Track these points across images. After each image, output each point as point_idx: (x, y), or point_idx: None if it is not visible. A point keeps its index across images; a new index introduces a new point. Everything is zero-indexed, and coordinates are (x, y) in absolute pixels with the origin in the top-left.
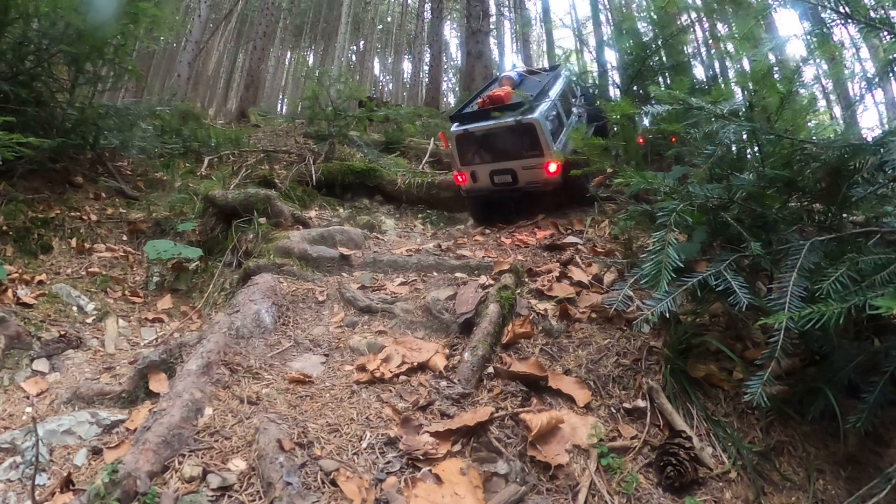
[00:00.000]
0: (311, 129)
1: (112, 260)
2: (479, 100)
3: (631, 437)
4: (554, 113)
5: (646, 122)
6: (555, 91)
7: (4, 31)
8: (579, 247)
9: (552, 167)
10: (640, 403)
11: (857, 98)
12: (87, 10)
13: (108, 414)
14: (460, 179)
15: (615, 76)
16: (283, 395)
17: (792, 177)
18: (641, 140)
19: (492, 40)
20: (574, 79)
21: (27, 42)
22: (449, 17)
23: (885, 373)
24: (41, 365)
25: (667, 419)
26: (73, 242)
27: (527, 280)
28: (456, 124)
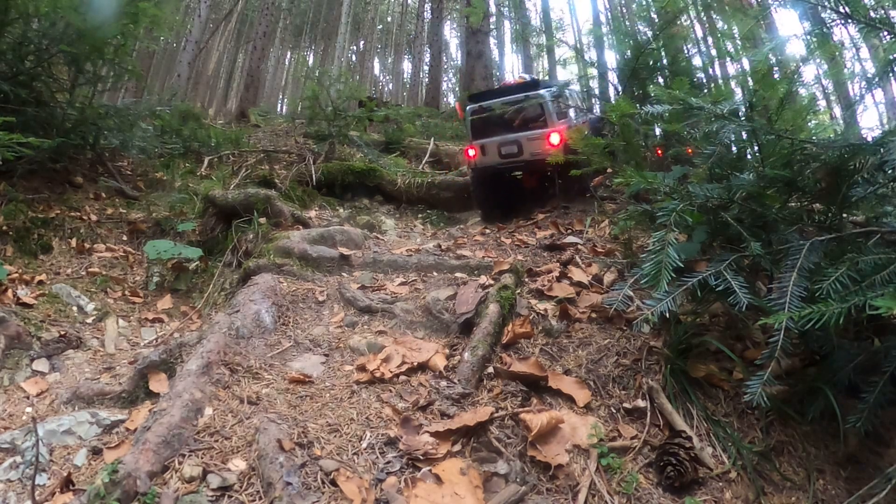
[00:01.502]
0: (311, 129)
1: (112, 260)
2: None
3: (631, 437)
4: (558, 97)
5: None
6: (557, 87)
7: (4, 31)
8: (579, 247)
9: (555, 138)
10: (640, 403)
11: (857, 98)
12: (87, 10)
13: (108, 414)
14: (471, 154)
15: (614, 77)
16: (283, 395)
17: (792, 177)
18: (660, 152)
19: (492, 40)
20: (577, 91)
21: (27, 42)
22: (449, 17)
23: (885, 373)
24: (41, 365)
25: (667, 419)
26: (73, 242)
27: (527, 280)
28: (472, 103)
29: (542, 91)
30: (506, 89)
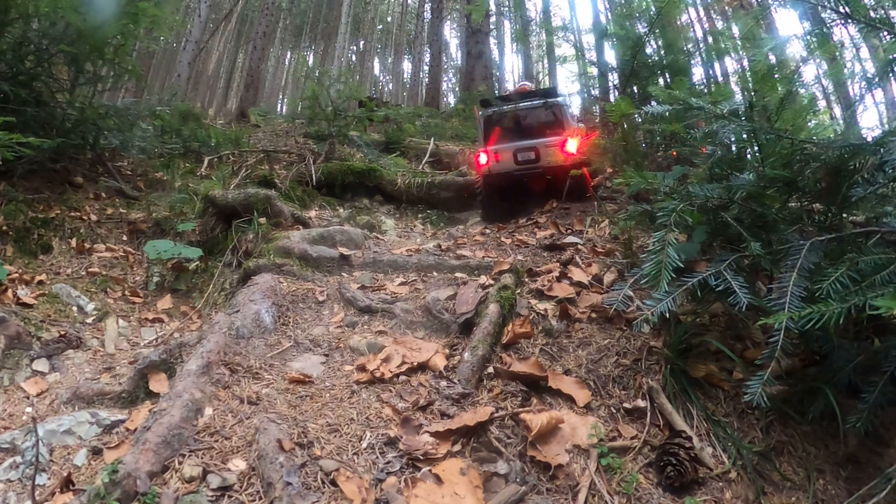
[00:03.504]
0: (311, 129)
1: (112, 260)
2: (507, 93)
3: (631, 437)
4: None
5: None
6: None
7: (4, 31)
8: (579, 247)
9: (573, 145)
10: (640, 403)
11: (857, 98)
12: (87, 10)
13: (108, 414)
14: (483, 160)
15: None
16: (283, 395)
17: (792, 177)
18: (675, 153)
19: (492, 40)
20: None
21: (27, 42)
22: (449, 17)
23: (885, 373)
24: (41, 365)
25: (667, 419)
26: (73, 242)
27: (527, 280)
28: (484, 108)
29: (559, 98)
30: (522, 96)
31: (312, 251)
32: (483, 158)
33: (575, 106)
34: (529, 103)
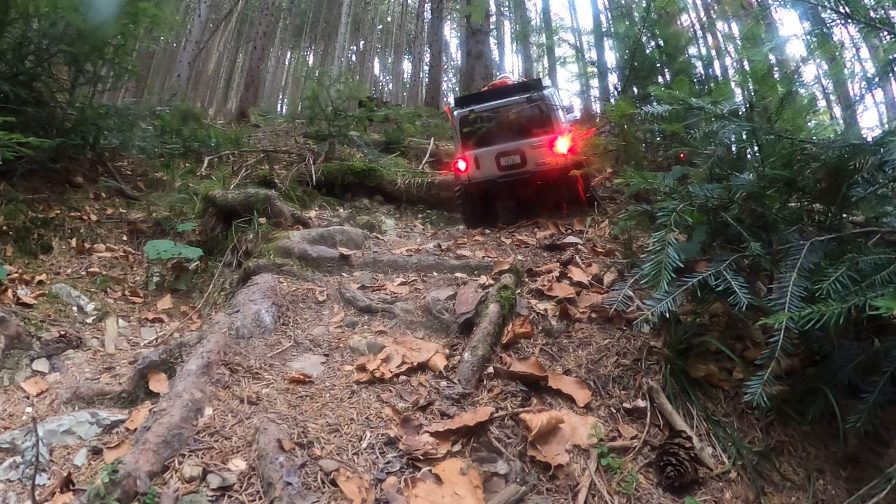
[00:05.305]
0: (311, 129)
1: (112, 260)
2: (483, 88)
3: (631, 437)
4: (558, 97)
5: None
6: (552, 88)
7: (4, 31)
8: (579, 247)
9: (564, 144)
10: (640, 403)
11: (857, 98)
12: (87, 10)
13: (108, 414)
14: (462, 167)
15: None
16: (283, 395)
17: (792, 177)
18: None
19: (492, 40)
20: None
21: (27, 42)
22: (449, 17)
23: (885, 373)
24: (41, 365)
25: (667, 419)
26: (73, 242)
27: (527, 280)
28: (459, 108)
29: (546, 92)
30: (500, 91)
31: (312, 251)
32: (462, 165)
33: (565, 97)
34: (511, 99)
